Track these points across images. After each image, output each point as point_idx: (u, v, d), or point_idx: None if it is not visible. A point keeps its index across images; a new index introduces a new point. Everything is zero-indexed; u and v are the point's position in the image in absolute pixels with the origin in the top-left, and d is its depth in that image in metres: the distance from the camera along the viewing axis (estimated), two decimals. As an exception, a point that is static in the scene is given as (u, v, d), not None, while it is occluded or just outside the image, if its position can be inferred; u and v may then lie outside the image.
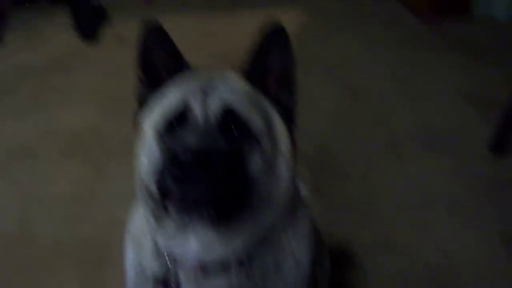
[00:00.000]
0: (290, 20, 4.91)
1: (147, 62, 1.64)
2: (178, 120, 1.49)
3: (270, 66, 1.59)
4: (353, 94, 4.00)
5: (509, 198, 3.13)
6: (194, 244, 1.49)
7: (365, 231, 2.97)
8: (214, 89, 1.51)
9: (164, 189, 1.38)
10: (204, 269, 1.53)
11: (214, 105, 1.48)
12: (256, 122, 1.50)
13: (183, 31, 2.96)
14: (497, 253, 2.85)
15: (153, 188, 1.47)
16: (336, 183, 3.24)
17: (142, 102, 1.66)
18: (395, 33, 4.87)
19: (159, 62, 1.64)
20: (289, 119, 1.61)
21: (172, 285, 1.57)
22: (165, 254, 1.57)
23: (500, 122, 3.40)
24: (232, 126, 1.47)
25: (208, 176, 1.32)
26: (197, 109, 1.47)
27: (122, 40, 4.73)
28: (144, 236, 1.66)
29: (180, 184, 1.33)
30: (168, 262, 1.57)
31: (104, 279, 2.73)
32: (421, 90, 4.04)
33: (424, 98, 3.95)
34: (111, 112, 3.76)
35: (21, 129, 3.65)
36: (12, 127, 3.67)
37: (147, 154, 1.51)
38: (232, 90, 1.53)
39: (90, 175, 3.30)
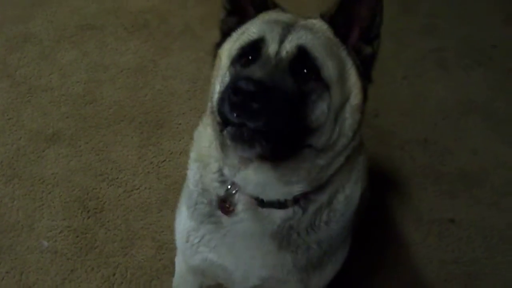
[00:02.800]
0: None
1: None
2: (252, 52, 1.48)
3: (357, 15, 1.53)
4: (404, 3, 4.05)
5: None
6: (253, 179, 1.53)
7: (404, 128, 3.17)
8: (294, 29, 1.48)
9: (224, 115, 1.37)
10: (261, 202, 1.59)
11: (290, 43, 1.45)
12: (329, 68, 1.46)
13: None
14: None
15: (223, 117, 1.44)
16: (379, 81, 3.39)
17: (225, 32, 1.63)
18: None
19: None
20: (365, 73, 1.55)
21: (228, 207, 1.63)
22: (228, 180, 1.62)
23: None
24: (304, 68, 1.44)
25: (265, 110, 1.30)
26: (272, 44, 1.45)
27: None
28: (209, 158, 1.69)
29: (235, 111, 1.32)
30: (230, 187, 1.62)
31: (162, 140, 3.00)
32: (472, 6, 4.06)
33: (473, 15, 3.98)
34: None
35: (89, 5, 3.83)
36: (80, 4, 3.84)
37: (220, 82, 1.52)
38: (311, 32, 1.49)
39: (153, 50, 3.51)
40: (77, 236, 2.60)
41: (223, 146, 1.54)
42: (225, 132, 1.38)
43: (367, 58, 1.56)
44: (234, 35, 1.59)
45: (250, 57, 1.47)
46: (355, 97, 1.51)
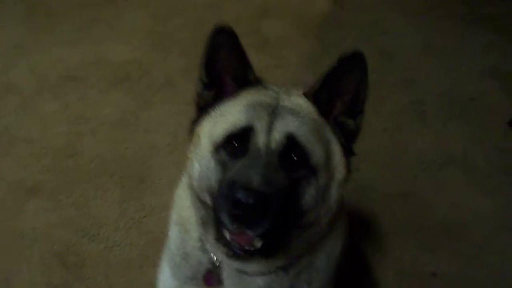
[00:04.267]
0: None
1: (212, 62, 1.57)
2: (239, 140, 1.47)
3: (341, 91, 1.55)
4: (384, 57, 4.11)
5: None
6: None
7: (384, 181, 3.21)
8: (281, 113, 1.48)
9: (218, 212, 1.41)
10: (245, 272, 1.60)
11: (279, 133, 1.45)
12: (317, 154, 1.48)
13: None
14: (505, 214, 3.09)
15: (206, 199, 1.50)
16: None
17: (201, 106, 1.61)
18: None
19: (226, 67, 1.57)
20: (348, 147, 1.58)
21: (215, 279, 1.64)
22: (211, 253, 1.63)
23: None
24: (293, 157, 1.45)
25: (264, 216, 1.33)
26: (261, 134, 1.45)
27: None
28: (190, 225, 1.68)
29: (237, 222, 1.34)
30: (215, 260, 1.63)
31: (143, 194, 3.00)
32: (450, 59, 4.15)
33: (452, 67, 4.06)
34: (158, 48, 3.94)
35: (71, 57, 3.84)
36: (63, 55, 3.86)
37: (201, 163, 1.51)
38: (298, 115, 1.49)
39: (134, 103, 3.53)
40: (57, 294, 2.56)
41: (204, 224, 1.55)
42: (219, 241, 1.44)
43: (350, 133, 1.57)
44: (214, 115, 1.56)
45: (237, 145, 1.46)
46: (339, 173, 1.53)
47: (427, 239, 2.96)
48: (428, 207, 3.12)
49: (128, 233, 2.82)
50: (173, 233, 1.77)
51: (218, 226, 1.43)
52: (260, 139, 1.45)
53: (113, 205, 2.94)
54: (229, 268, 1.61)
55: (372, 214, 3.06)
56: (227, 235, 1.39)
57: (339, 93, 1.55)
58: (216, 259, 1.62)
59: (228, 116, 1.52)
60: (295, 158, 1.45)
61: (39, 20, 4.11)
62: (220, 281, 1.64)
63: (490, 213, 3.11)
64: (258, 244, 1.37)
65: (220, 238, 1.44)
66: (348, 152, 1.57)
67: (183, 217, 1.72)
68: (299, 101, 1.55)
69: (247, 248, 1.38)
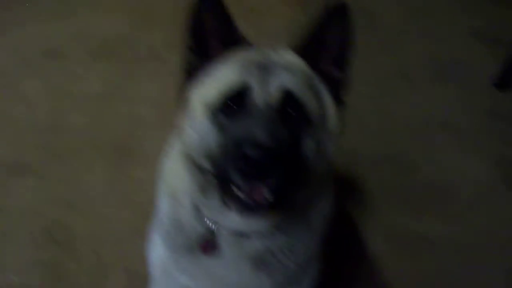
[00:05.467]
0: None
1: (198, 28, 1.54)
2: (236, 100, 1.46)
3: (327, 42, 1.54)
4: (368, 20, 4.08)
5: (506, 129, 3.37)
6: (239, 221, 1.53)
7: (372, 147, 3.22)
8: (273, 68, 1.47)
9: (223, 173, 1.40)
10: (242, 235, 1.60)
11: (275, 89, 1.45)
12: (311, 105, 1.49)
13: None
14: (491, 175, 3.13)
15: (205, 165, 1.48)
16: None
17: (190, 71, 1.59)
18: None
19: (212, 31, 1.54)
20: (338, 97, 1.58)
21: (212, 246, 1.63)
22: (207, 219, 1.62)
23: (507, 60, 3.57)
24: (290, 110, 1.46)
25: (275, 170, 1.34)
26: (257, 90, 1.44)
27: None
28: (182, 194, 1.67)
29: (248, 180, 1.35)
30: (212, 226, 1.62)
31: (131, 167, 2.98)
32: (435, 22, 4.15)
33: (437, 32, 4.07)
34: (140, 22, 3.90)
35: (52, 32, 3.79)
36: (44, 30, 3.80)
37: (198, 130, 1.49)
38: (289, 70, 1.49)
39: (118, 77, 3.49)
40: (47, 270, 2.55)
41: (203, 190, 1.55)
42: (228, 201, 1.44)
43: (339, 83, 1.59)
44: (204, 79, 1.55)
45: (234, 106, 1.46)
46: (333, 125, 1.55)
47: (415, 202, 2.99)
48: (415, 170, 3.14)
49: (117, 206, 2.80)
50: (164, 204, 1.76)
51: (224, 189, 1.44)
52: (257, 96, 1.44)
53: (101, 179, 2.92)
54: (226, 233, 1.61)
55: (360, 178, 3.08)
56: (240, 193, 1.39)
57: (325, 45, 1.55)
58: (213, 225, 1.61)
59: (220, 77, 1.52)
60: (293, 113, 1.45)
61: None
62: (215, 247, 1.63)
63: (476, 174, 3.14)
64: (270, 197, 1.38)
65: (229, 199, 1.44)
66: (338, 102, 1.58)
67: (174, 187, 1.70)
68: (288, 56, 1.56)
69: (261, 201, 1.38)
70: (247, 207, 1.40)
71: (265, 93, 1.44)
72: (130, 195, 2.85)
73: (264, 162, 1.31)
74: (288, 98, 1.45)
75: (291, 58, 1.56)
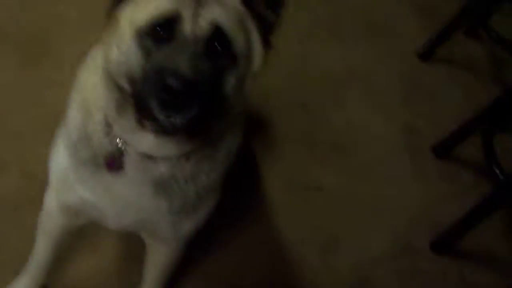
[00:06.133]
0: None
1: None
2: (165, 27, 1.42)
3: None
4: None
5: (419, 100, 3.50)
6: (149, 141, 1.54)
7: (288, 92, 3.26)
8: (206, 2, 1.43)
9: (142, 96, 1.38)
10: (149, 157, 1.60)
11: (205, 21, 1.41)
12: (239, 43, 1.47)
13: None
14: (396, 141, 3.27)
15: (125, 85, 1.45)
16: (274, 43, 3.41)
17: None
18: None
19: None
20: (266, 38, 1.56)
21: (118, 165, 1.63)
22: (117, 138, 1.60)
23: (436, 33, 3.66)
24: (217, 46, 1.43)
25: (192, 103, 1.33)
26: (187, 21, 1.41)
27: None
28: (95, 107, 1.64)
29: (165, 108, 1.34)
30: (121, 145, 1.60)
31: (44, 66, 2.88)
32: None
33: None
34: None
35: None
36: None
37: (123, 49, 1.44)
38: (222, 4, 1.46)
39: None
40: None
41: (119, 108, 1.53)
42: (144, 121, 1.43)
43: (270, 25, 1.57)
44: (138, 1, 1.49)
45: (161, 32, 1.42)
46: (256, 64, 1.54)
47: (319, 153, 3.08)
48: (325, 122, 3.22)
49: (23, 102, 2.70)
50: (73, 114, 1.71)
51: (141, 109, 1.42)
52: (186, 26, 1.40)
53: (9, 71, 2.80)
54: (133, 153, 1.60)
55: (269, 122, 3.12)
56: (158, 114, 1.36)
57: None
58: (122, 144, 1.60)
59: (152, 1, 1.46)
60: (219, 47, 1.43)
61: None
62: (121, 166, 1.63)
63: (381, 137, 3.26)
64: (185, 124, 1.37)
65: (145, 119, 1.43)
66: (266, 43, 1.56)
67: (87, 99, 1.66)
68: None
69: (176, 125, 1.37)
70: (163, 129, 1.40)
71: (195, 25, 1.41)
72: (39, 94, 2.75)
73: (183, 93, 1.31)
74: (217, 33, 1.42)
75: None
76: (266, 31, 1.57)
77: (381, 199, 2.99)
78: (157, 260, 2.15)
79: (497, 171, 2.68)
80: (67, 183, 1.79)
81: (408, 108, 3.42)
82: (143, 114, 1.42)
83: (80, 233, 2.22)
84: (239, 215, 2.71)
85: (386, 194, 3.02)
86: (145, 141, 1.54)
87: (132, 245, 2.40)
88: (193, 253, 2.19)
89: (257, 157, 2.92)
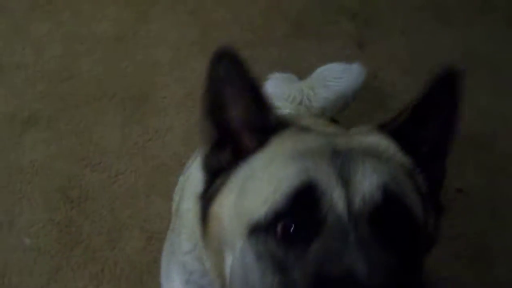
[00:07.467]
0: None
1: (218, 110, 1.09)
2: (298, 211, 0.96)
3: (431, 127, 1.13)
4: None
5: None
6: None
7: (405, 89, 2.91)
8: (353, 160, 1.00)
9: None
10: None
11: (368, 186, 0.97)
12: (418, 210, 1.04)
13: None
14: None
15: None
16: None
17: (212, 172, 1.12)
18: None
19: (238, 114, 1.09)
20: (437, 200, 1.14)
21: None
22: None
23: None
24: (391, 219, 0.98)
25: None
26: (336, 193, 0.95)
27: None
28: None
29: None
30: None
31: (146, 116, 2.78)
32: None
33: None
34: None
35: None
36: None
37: (236, 260, 1.00)
38: (380, 160, 1.03)
39: (132, 17, 3.23)
40: (61, 231, 2.41)
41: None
42: None
43: (436, 181, 1.16)
44: (234, 185, 1.06)
45: (295, 223, 0.95)
46: (433, 237, 1.12)
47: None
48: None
49: (132, 159, 2.62)
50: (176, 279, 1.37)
51: None
52: (337, 200, 0.94)
53: (114, 129, 2.73)
54: None
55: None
56: None
57: (426, 125, 1.13)
58: None
59: (265, 179, 1.02)
60: (395, 221, 0.97)
61: None
62: None
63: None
64: None
65: None
66: (436, 207, 1.13)
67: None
68: (373, 139, 1.10)
69: None
70: None
71: (349, 195, 0.96)
72: (146, 147, 2.66)
73: None
74: (388, 202, 0.97)
75: (380, 141, 1.11)
76: (433, 186, 1.14)
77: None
78: None
79: None
80: None
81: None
82: None
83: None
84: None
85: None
86: None
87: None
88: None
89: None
